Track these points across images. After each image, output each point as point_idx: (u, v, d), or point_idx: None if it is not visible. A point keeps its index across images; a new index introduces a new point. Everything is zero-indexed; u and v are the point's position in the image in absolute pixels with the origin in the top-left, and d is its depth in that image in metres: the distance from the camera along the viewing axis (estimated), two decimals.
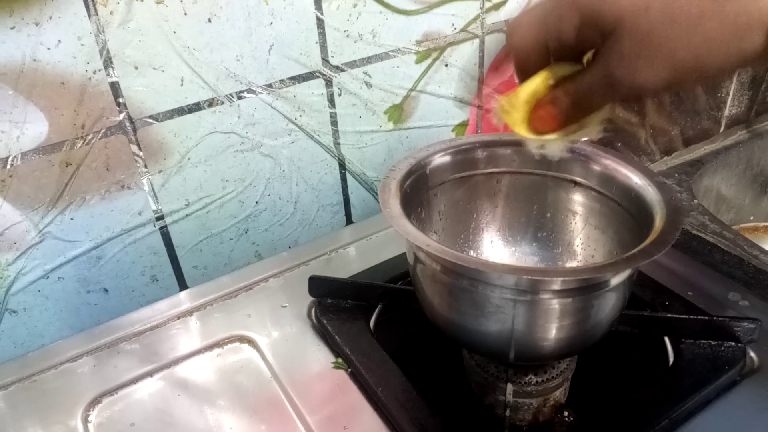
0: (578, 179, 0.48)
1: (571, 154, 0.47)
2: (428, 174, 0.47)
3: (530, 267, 0.40)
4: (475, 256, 0.52)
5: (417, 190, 0.46)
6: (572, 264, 0.50)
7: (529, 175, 0.50)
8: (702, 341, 0.49)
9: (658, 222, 0.39)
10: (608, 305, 0.40)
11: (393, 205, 0.42)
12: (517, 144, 0.49)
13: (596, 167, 0.47)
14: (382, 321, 0.54)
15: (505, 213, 0.52)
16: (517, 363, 0.44)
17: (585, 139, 0.37)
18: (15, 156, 0.47)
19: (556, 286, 0.37)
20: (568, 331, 0.39)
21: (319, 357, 0.51)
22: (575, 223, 0.50)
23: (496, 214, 0.52)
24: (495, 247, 0.52)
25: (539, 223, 0.51)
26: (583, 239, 0.50)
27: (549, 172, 0.49)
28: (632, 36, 0.31)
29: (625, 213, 0.45)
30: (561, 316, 0.38)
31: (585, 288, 0.38)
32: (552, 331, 0.39)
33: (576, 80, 0.34)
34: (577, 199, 0.49)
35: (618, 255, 0.41)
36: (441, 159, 0.48)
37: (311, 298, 0.55)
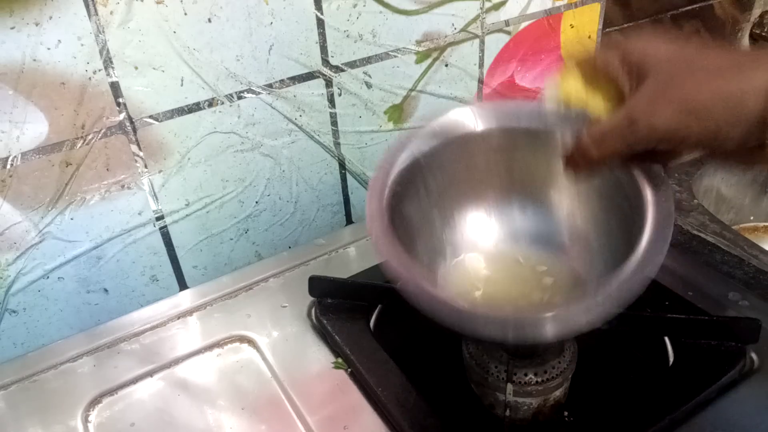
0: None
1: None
2: (420, 157, 0.45)
3: (513, 317, 0.37)
4: (461, 235, 0.50)
5: (409, 176, 0.45)
6: (567, 238, 0.49)
7: (525, 133, 0.47)
8: (702, 341, 0.49)
9: (649, 223, 0.38)
10: None
11: (378, 228, 0.40)
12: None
13: None
14: (382, 321, 0.54)
15: (499, 182, 0.50)
16: (517, 348, 0.44)
17: None
18: (15, 156, 0.47)
19: (544, 335, 0.36)
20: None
21: (319, 357, 0.51)
22: (571, 194, 0.48)
23: (491, 183, 0.50)
24: (490, 218, 0.50)
25: (534, 192, 0.49)
26: (579, 212, 0.48)
27: (547, 130, 0.45)
28: (656, 81, 0.35)
29: (620, 189, 0.43)
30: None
31: None
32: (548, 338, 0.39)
33: (603, 120, 0.38)
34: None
35: (608, 249, 0.40)
36: (429, 139, 0.46)
37: (311, 298, 0.55)
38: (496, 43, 0.69)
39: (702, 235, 0.63)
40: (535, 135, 0.46)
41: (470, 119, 0.47)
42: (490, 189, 0.50)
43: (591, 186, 0.46)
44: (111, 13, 0.47)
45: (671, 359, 0.49)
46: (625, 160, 0.38)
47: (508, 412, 0.45)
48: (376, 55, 0.61)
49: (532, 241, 0.50)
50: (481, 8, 0.66)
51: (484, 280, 0.48)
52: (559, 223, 0.49)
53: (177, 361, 0.51)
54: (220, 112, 0.55)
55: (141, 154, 0.53)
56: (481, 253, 0.50)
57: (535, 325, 0.35)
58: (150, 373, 0.50)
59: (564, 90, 0.41)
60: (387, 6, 0.60)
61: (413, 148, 0.45)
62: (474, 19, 0.66)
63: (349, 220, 0.69)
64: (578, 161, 0.39)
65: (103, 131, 0.50)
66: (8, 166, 0.47)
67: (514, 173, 0.49)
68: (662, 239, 0.37)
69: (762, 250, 0.60)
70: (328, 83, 0.60)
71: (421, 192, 0.47)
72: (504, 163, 0.49)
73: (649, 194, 0.40)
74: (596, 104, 0.40)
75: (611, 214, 0.45)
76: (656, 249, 0.37)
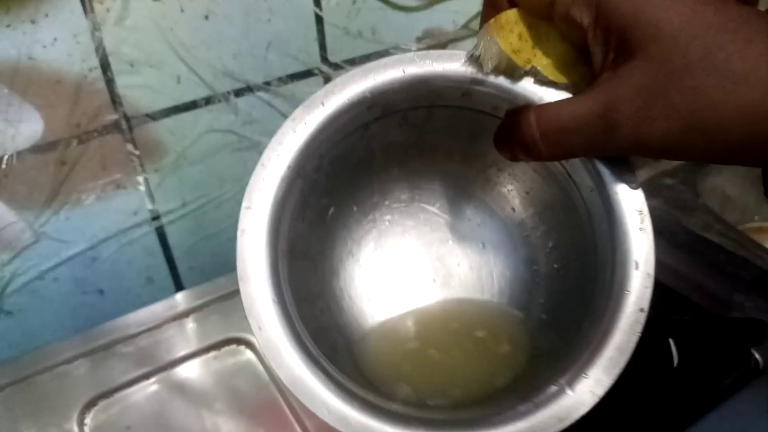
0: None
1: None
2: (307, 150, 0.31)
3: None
4: (375, 236, 0.39)
5: (295, 175, 0.32)
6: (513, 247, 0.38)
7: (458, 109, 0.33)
8: (707, 343, 0.48)
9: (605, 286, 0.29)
10: None
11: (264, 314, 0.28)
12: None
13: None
14: None
15: (417, 168, 0.38)
16: None
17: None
18: (10, 155, 0.47)
19: None
20: None
21: None
22: (512, 186, 0.38)
23: (406, 169, 0.38)
24: (409, 217, 0.39)
25: (462, 182, 0.38)
26: (526, 213, 0.38)
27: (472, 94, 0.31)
28: (651, 66, 0.24)
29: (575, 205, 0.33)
30: None
31: None
32: None
33: (563, 106, 0.27)
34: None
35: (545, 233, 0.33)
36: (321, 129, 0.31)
37: None
38: None
39: (706, 235, 0.62)
40: (454, 104, 0.32)
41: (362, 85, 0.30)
42: (403, 188, 0.39)
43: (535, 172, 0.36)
44: (107, 10, 0.46)
45: (675, 360, 0.49)
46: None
47: None
48: (375, 53, 0.61)
49: (466, 282, 0.38)
50: (482, 5, 0.65)
51: (413, 358, 0.35)
52: (503, 222, 0.38)
53: (173, 364, 0.51)
54: (217, 110, 0.55)
55: (137, 153, 0.52)
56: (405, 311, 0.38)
57: None
58: (146, 376, 0.50)
59: (503, 40, 0.28)
60: (387, 2, 0.59)
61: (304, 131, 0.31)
62: (475, 16, 0.65)
63: None
64: (517, 152, 0.28)
65: (98, 130, 0.50)
66: (3, 166, 0.47)
67: (433, 161, 0.37)
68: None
69: (767, 251, 0.60)
70: (327, 81, 0.59)
71: (311, 204, 0.34)
72: (416, 145, 0.36)
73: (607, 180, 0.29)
74: (545, 63, 0.28)
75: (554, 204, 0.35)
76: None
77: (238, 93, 0.55)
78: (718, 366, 0.46)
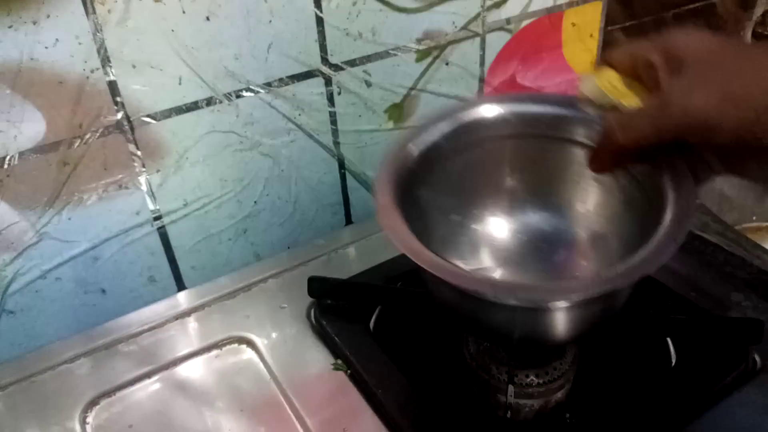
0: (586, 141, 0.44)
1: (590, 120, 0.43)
2: (441, 140, 0.44)
3: (527, 285, 0.39)
4: (482, 227, 0.49)
5: (428, 158, 0.44)
6: (584, 235, 0.48)
7: (539, 138, 0.46)
8: (705, 342, 0.48)
9: (667, 216, 0.37)
10: (612, 298, 0.39)
11: (384, 199, 0.39)
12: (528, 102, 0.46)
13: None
14: (381, 322, 0.54)
15: (519, 177, 0.49)
16: (521, 349, 0.44)
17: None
18: (12, 155, 0.47)
19: (558, 305, 0.36)
20: (572, 324, 0.39)
21: (318, 358, 0.50)
22: (587, 191, 0.47)
23: (512, 178, 0.49)
24: (509, 213, 0.50)
25: (553, 189, 0.48)
26: (595, 209, 0.47)
27: (558, 134, 0.45)
28: (696, 66, 0.33)
29: (639, 187, 0.42)
30: (565, 314, 0.38)
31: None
32: (557, 328, 0.39)
33: (633, 108, 0.36)
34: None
35: (625, 246, 0.40)
36: (454, 123, 0.45)
37: (310, 299, 0.55)
38: (497, 42, 0.68)
39: (704, 235, 0.62)
40: (556, 127, 0.45)
41: (490, 109, 0.46)
42: (507, 185, 0.49)
43: (610, 185, 0.45)
44: (109, 11, 0.47)
45: (674, 360, 0.49)
46: (651, 152, 0.36)
47: (509, 414, 0.44)
48: (376, 54, 0.61)
49: (547, 241, 0.49)
50: (482, 6, 0.65)
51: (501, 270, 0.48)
52: (576, 222, 0.48)
53: (175, 363, 0.51)
54: (218, 111, 0.55)
55: (139, 153, 0.52)
56: (496, 249, 0.49)
57: (562, 292, 0.35)
58: (148, 375, 0.50)
59: (600, 84, 0.39)
60: (387, 4, 0.59)
61: (433, 131, 0.44)
62: (475, 17, 0.65)
63: (348, 220, 0.69)
64: (603, 149, 0.37)
65: (100, 130, 0.50)
66: (5, 166, 0.47)
67: (532, 169, 0.48)
68: (681, 225, 0.36)
69: (765, 251, 0.60)
70: (328, 82, 0.59)
71: (439, 176, 0.45)
72: (521, 156, 0.48)
73: (670, 191, 0.38)
74: (632, 101, 0.38)
75: (629, 213, 0.44)
76: (672, 235, 0.36)
77: (239, 94, 0.55)
78: (716, 365, 0.46)
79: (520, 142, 0.47)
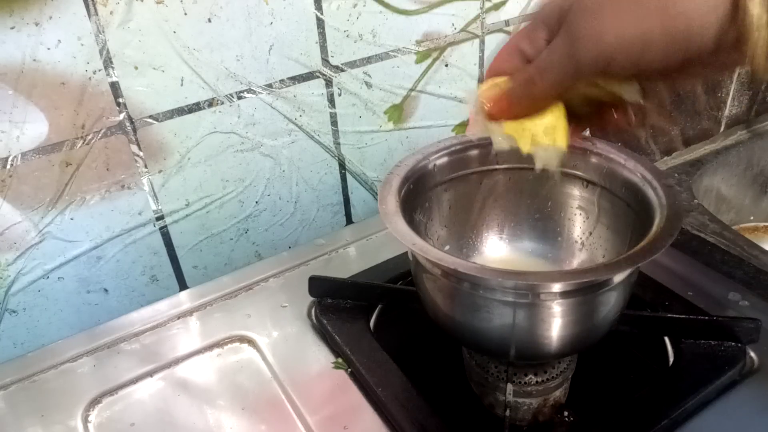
0: (581, 174, 0.47)
1: (576, 150, 0.45)
2: (435, 170, 0.47)
3: (528, 271, 0.40)
4: (477, 255, 0.51)
5: (423, 187, 0.46)
6: (577, 261, 0.50)
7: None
8: (702, 341, 0.48)
9: (658, 222, 0.39)
10: (609, 304, 0.40)
11: (390, 202, 0.41)
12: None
13: (600, 163, 0.46)
14: (382, 321, 0.54)
15: (511, 208, 0.51)
16: (518, 362, 0.44)
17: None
18: (15, 156, 0.47)
19: (555, 289, 0.37)
20: (569, 330, 0.39)
21: (319, 357, 0.51)
22: (579, 218, 0.49)
23: (503, 209, 0.51)
24: (502, 243, 0.52)
25: (544, 218, 0.51)
26: (587, 235, 0.49)
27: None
28: (578, 3, 0.30)
29: (627, 208, 0.44)
30: (561, 316, 0.38)
31: (585, 289, 0.38)
32: (552, 331, 0.39)
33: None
34: (582, 195, 0.48)
35: (621, 253, 0.40)
36: (449, 155, 0.47)
37: (311, 298, 0.55)
38: (496, 43, 0.69)
39: (702, 235, 0.63)
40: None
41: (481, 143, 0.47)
42: (500, 210, 0.51)
43: (594, 212, 0.48)
44: (111, 13, 0.47)
45: (671, 359, 0.49)
46: (581, 87, 0.34)
47: (508, 412, 0.45)
48: (376, 55, 0.61)
49: (541, 258, 0.51)
50: (481, 8, 0.66)
51: None
52: (568, 251, 0.50)
53: (177, 361, 0.51)
54: (220, 112, 0.55)
55: (141, 154, 0.53)
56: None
57: (555, 280, 0.37)
58: (150, 373, 0.50)
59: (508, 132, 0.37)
60: (387, 6, 0.60)
61: (431, 157, 0.47)
62: (474, 19, 0.66)
63: (349, 220, 0.69)
64: (524, 98, 0.34)
65: (103, 131, 0.50)
66: (8, 166, 0.47)
67: (520, 200, 0.51)
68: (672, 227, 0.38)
69: (762, 250, 0.60)
70: (328, 83, 0.60)
71: (431, 211, 0.48)
72: (511, 188, 0.50)
73: (654, 199, 0.41)
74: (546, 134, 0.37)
75: (617, 236, 0.46)
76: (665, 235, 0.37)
77: (241, 95, 0.55)
78: (714, 364, 0.47)
79: (511, 174, 0.49)
